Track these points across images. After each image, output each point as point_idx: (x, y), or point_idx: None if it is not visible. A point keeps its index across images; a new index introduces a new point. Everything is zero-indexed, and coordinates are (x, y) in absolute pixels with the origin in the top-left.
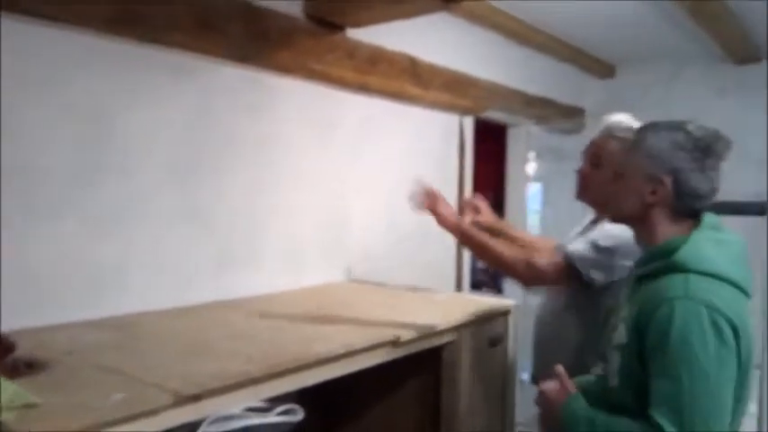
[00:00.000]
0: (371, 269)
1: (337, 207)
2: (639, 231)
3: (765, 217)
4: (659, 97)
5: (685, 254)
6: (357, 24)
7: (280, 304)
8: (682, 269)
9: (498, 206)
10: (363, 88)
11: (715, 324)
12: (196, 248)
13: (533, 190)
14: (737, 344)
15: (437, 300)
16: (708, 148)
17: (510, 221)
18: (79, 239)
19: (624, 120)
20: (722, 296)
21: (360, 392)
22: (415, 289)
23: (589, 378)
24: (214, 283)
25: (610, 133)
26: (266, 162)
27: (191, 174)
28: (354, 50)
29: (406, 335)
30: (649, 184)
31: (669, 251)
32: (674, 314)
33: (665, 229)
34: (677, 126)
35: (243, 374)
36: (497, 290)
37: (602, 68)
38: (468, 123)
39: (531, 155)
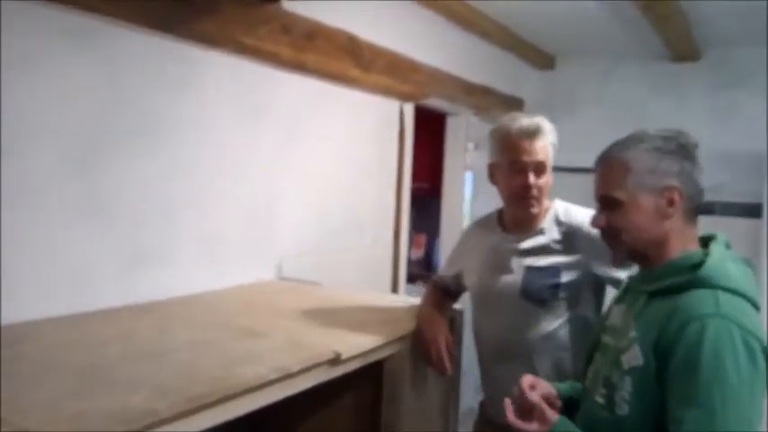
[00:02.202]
0: (303, 265)
1: (266, 196)
2: (651, 256)
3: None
4: (596, 91)
5: (712, 269)
6: None
7: (199, 309)
8: (709, 285)
9: (435, 197)
10: (299, 67)
11: (747, 345)
12: (99, 244)
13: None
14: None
15: (377, 303)
16: (685, 146)
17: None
18: None
19: (549, 123)
20: (749, 316)
21: (289, 408)
22: (353, 290)
23: (565, 386)
24: (120, 285)
25: (548, 137)
26: (185, 145)
27: (94, 157)
28: (291, 24)
29: (346, 351)
30: (663, 197)
31: (690, 265)
32: (706, 332)
33: (677, 242)
34: (643, 137)
35: (148, 414)
36: None
37: (541, 59)
38: (409, 110)
39: (471, 145)
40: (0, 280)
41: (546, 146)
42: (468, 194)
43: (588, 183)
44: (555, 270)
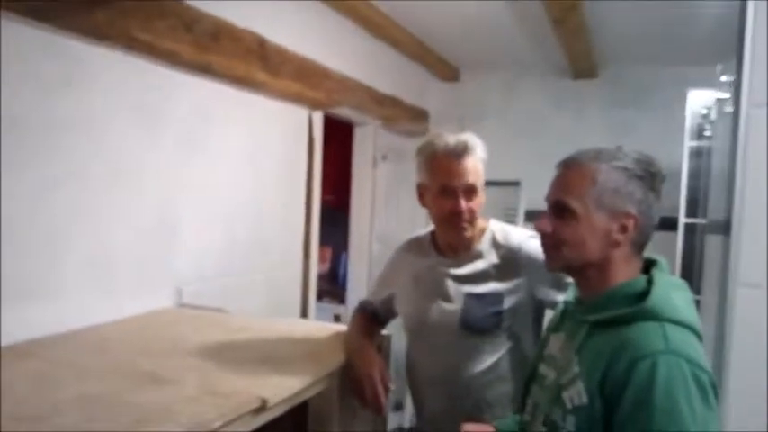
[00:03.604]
0: (205, 290)
1: (163, 212)
2: (590, 277)
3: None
4: (499, 105)
5: (658, 299)
6: None
7: (89, 349)
8: (655, 317)
9: (341, 209)
10: (202, 68)
11: (699, 382)
12: None
13: None
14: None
15: (293, 332)
16: (654, 173)
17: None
18: None
19: (477, 139)
20: (696, 348)
21: None
22: (262, 317)
23: (507, 421)
24: None
25: (477, 155)
26: (67, 153)
27: None
28: (193, 21)
29: (272, 396)
30: (616, 222)
31: (634, 294)
32: (658, 371)
33: (621, 271)
34: (617, 153)
35: None
36: (340, 299)
37: (446, 70)
38: (318, 119)
39: (379, 157)
40: None
41: (476, 165)
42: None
43: (493, 196)
44: (497, 297)
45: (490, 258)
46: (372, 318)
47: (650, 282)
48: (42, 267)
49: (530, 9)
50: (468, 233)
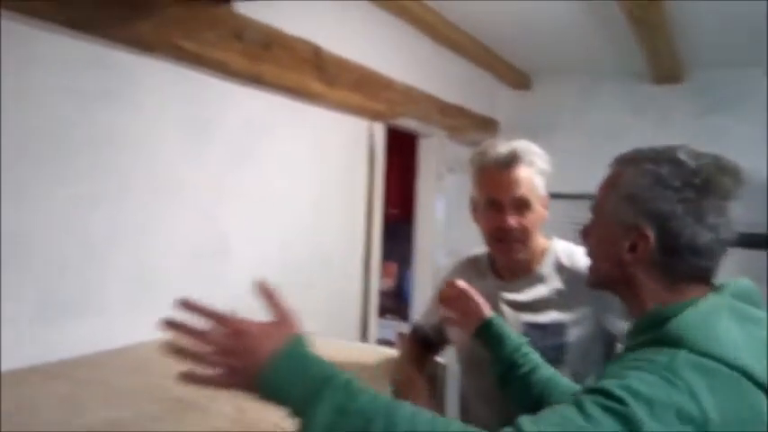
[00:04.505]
0: (258, 307)
1: (214, 228)
2: (625, 299)
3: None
4: (574, 113)
5: (684, 323)
6: None
7: (122, 370)
8: (672, 343)
9: (405, 224)
10: (254, 79)
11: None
12: (3, 290)
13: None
14: None
15: (342, 355)
16: (706, 184)
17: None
18: None
19: (533, 147)
20: (717, 391)
21: None
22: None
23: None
24: (25, 341)
25: (533, 165)
26: (110, 168)
27: None
28: (243, 30)
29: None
30: (626, 238)
31: (661, 320)
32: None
33: (655, 294)
34: (663, 154)
35: None
36: (403, 317)
37: (517, 78)
38: (379, 130)
39: (444, 169)
40: None
41: (528, 176)
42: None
43: (567, 210)
44: (559, 328)
45: (553, 283)
46: (424, 343)
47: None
48: (84, 285)
49: (606, 8)
50: (521, 254)
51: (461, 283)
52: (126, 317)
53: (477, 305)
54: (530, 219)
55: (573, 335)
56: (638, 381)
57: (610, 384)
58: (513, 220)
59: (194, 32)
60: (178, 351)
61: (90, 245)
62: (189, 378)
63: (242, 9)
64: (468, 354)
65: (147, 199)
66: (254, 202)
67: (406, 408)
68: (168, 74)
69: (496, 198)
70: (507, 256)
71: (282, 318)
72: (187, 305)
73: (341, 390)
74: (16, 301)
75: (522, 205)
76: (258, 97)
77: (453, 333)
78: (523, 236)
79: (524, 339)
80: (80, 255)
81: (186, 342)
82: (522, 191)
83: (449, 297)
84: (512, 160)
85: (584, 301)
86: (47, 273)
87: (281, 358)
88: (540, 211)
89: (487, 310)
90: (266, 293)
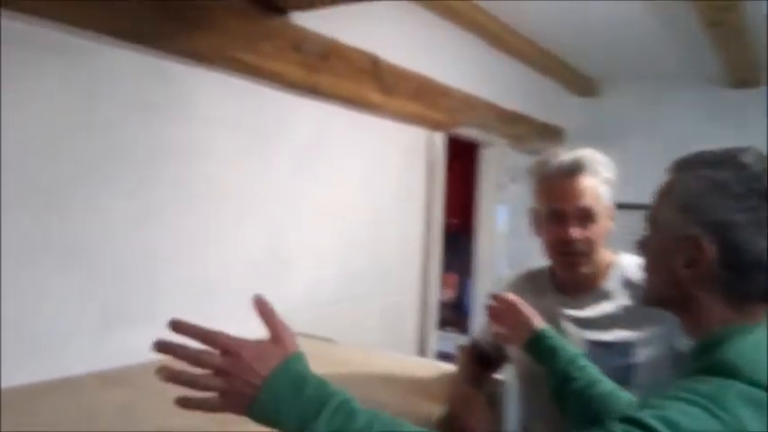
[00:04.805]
0: (318, 317)
1: (273, 238)
2: (683, 321)
3: None
4: (645, 120)
5: (740, 350)
6: (305, 7)
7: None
8: (724, 372)
9: (466, 235)
10: (311, 90)
11: None
12: (67, 297)
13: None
14: None
15: (398, 370)
16: None
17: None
18: None
19: (598, 156)
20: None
21: None
22: (371, 350)
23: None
24: (88, 348)
25: (599, 174)
26: (172, 179)
27: (59, 194)
28: (301, 41)
29: None
30: (682, 252)
31: (715, 344)
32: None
33: (717, 316)
34: (723, 158)
35: None
36: (463, 330)
37: (583, 84)
38: (439, 139)
39: (507, 179)
40: None
41: (593, 186)
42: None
43: (638, 222)
44: (627, 347)
45: (620, 299)
46: (483, 359)
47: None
48: (145, 294)
49: (679, 11)
50: (584, 268)
51: (509, 296)
52: None
53: (527, 318)
54: (594, 231)
55: (642, 355)
56: (678, 412)
57: (645, 415)
58: (576, 232)
59: (252, 44)
60: (171, 375)
61: (152, 255)
62: (183, 403)
63: (299, 20)
64: (526, 370)
65: (207, 210)
66: (312, 213)
67: (408, 428)
68: (227, 86)
69: (559, 208)
70: (570, 271)
71: (278, 336)
72: (178, 326)
73: (339, 411)
74: (80, 310)
75: (587, 216)
76: (316, 108)
77: (512, 348)
78: (587, 249)
79: (580, 351)
80: (143, 265)
81: (180, 365)
82: (587, 201)
83: (497, 311)
84: (575, 169)
85: (654, 319)
86: (110, 282)
87: (276, 379)
88: (605, 222)
89: (538, 322)
90: (263, 309)
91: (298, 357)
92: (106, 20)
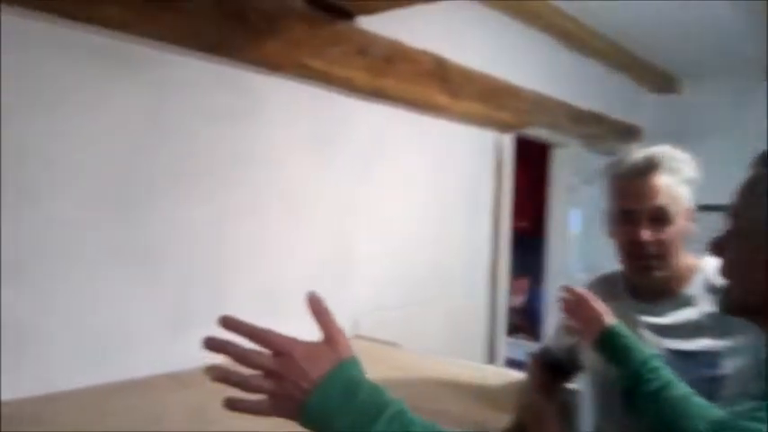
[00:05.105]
0: (383, 321)
1: (338, 242)
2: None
3: None
4: (729, 117)
5: None
6: (370, 11)
7: None
8: None
9: (536, 238)
10: (377, 93)
11: None
12: (139, 301)
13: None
14: None
15: (463, 375)
16: None
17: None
18: None
19: (677, 154)
20: None
21: None
22: (437, 355)
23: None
24: (165, 348)
25: (676, 173)
26: (242, 184)
27: (133, 201)
28: (366, 45)
29: None
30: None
31: None
32: None
33: None
34: None
35: None
36: (534, 337)
37: (661, 81)
38: (507, 141)
39: (580, 180)
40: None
41: (668, 185)
42: (576, 235)
43: (719, 225)
44: (712, 357)
45: (704, 306)
46: (554, 368)
47: None
48: (214, 296)
49: (765, 3)
50: (657, 272)
51: (580, 289)
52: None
53: (598, 313)
54: (668, 233)
55: (729, 366)
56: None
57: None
58: (647, 234)
59: (319, 50)
60: (221, 374)
61: (222, 259)
62: (231, 405)
63: (365, 25)
64: (599, 376)
65: (275, 214)
66: (378, 216)
67: None
68: (294, 92)
69: (630, 209)
70: (642, 275)
71: (331, 337)
72: (228, 323)
73: (395, 421)
74: (153, 312)
75: (660, 217)
76: (382, 112)
77: (585, 356)
78: (660, 251)
79: (655, 352)
80: (211, 268)
81: (231, 364)
82: (660, 201)
83: (570, 305)
84: (649, 167)
85: (742, 326)
86: (180, 285)
87: (329, 384)
88: (682, 224)
89: (609, 318)
90: (316, 308)
91: (352, 362)
92: (175, 30)
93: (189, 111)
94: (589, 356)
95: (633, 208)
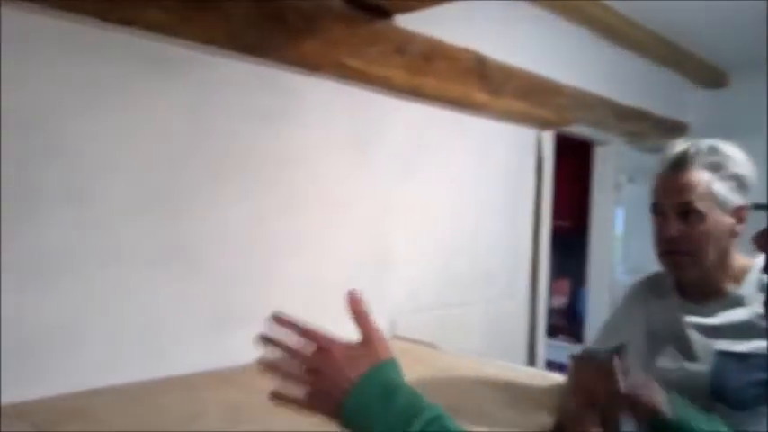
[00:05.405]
0: (420, 321)
1: (377, 241)
2: None
3: None
4: None
5: None
6: (408, 9)
7: None
8: None
9: (577, 237)
10: (415, 92)
11: None
12: (179, 300)
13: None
14: None
15: (502, 377)
16: None
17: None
18: (12, 293)
19: (724, 148)
20: None
21: None
22: (475, 357)
23: None
24: (204, 347)
25: (717, 167)
26: (281, 184)
27: (173, 201)
28: (405, 44)
29: None
30: None
31: None
32: None
33: None
34: None
35: None
36: (576, 338)
37: (709, 75)
38: (548, 139)
39: (624, 178)
40: (2, 353)
41: (703, 180)
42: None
43: None
44: (765, 360)
45: (756, 306)
46: (599, 371)
47: None
48: (253, 295)
49: None
50: (691, 271)
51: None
52: None
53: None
54: (701, 229)
55: None
56: None
57: None
58: (674, 230)
59: (358, 50)
60: (269, 365)
61: (262, 258)
62: (277, 397)
63: (403, 23)
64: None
65: (314, 213)
66: (416, 216)
67: None
68: (333, 92)
69: (659, 203)
70: (674, 272)
71: (370, 338)
72: (280, 320)
73: (432, 425)
74: (192, 310)
75: (689, 213)
76: (420, 111)
77: (631, 359)
78: (691, 248)
79: (716, 418)
80: (250, 266)
81: (279, 358)
82: (689, 196)
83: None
84: (681, 161)
85: None
86: (220, 284)
87: (366, 385)
88: (723, 222)
89: (660, 401)
90: (356, 308)
91: (391, 364)
92: (214, 32)
93: (228, 111)
94: (643, 359)
95: (662, 202)
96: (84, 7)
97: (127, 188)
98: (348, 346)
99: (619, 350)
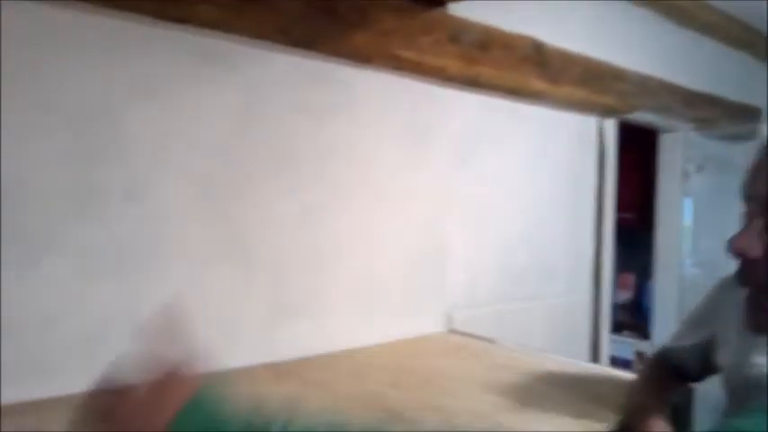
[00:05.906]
0: (478, 316)
1: (433, 235)
2: None
3: None
4: None
5: None
6: None
7: (343, 373)
8: None
9: (644, 231)
10: (471, 82)
11: None
12: (236, 293)
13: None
14: None
15: (563, 374)
16: None
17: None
18: (70, 288)
19: None
20: None
21: None
22: (535, 352)
23: None
24: (260, 340)
25: None
26: (335, 178)
27: (228, 196)
28: (459, 32)
29: None
30: None
31: None
32: None
33: None
34: None
35: None
36: (642, 334)
37: None
38: (611, 127)
39: (692, 167)
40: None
41: None
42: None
43: None
44: None
45: None
46: (672, 371)
47: None
48: (310, 289)
49: None
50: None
51: None
52: (349, 321)
53: None
54: None
55: None
56: None
57: None
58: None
59: (411, 40)
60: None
61: (316, 251)
62: None
63: (456, 11)
64: (736, 379)
65: (370, 206)
66: (473, 208)
67: None
68: (386, 83)
69: (747, 193)
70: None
71: (173, 368)
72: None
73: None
74: (249, 303)
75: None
76: (477, 100)
77: (721, 354)
78: None
79: None
80: (307, 260)
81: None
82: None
83: None
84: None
85: None
86: (277, 277)
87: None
88: None
89: None
90: (165, 327)
91: (205, 393)
92: (266, 27)
93: (281, 106)
94: (735, 355)
95: (749, 193)
96: (139, 6)
97: (182, 184)
98: (146, 391)
99: (707, 345)
